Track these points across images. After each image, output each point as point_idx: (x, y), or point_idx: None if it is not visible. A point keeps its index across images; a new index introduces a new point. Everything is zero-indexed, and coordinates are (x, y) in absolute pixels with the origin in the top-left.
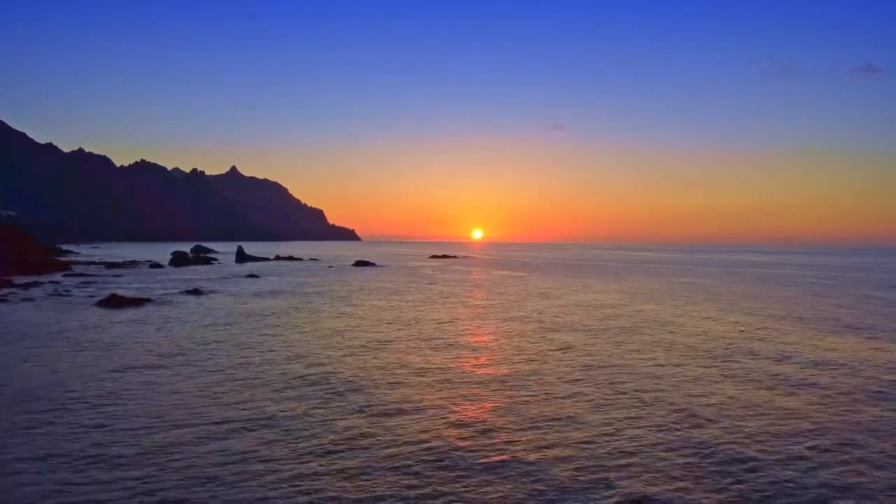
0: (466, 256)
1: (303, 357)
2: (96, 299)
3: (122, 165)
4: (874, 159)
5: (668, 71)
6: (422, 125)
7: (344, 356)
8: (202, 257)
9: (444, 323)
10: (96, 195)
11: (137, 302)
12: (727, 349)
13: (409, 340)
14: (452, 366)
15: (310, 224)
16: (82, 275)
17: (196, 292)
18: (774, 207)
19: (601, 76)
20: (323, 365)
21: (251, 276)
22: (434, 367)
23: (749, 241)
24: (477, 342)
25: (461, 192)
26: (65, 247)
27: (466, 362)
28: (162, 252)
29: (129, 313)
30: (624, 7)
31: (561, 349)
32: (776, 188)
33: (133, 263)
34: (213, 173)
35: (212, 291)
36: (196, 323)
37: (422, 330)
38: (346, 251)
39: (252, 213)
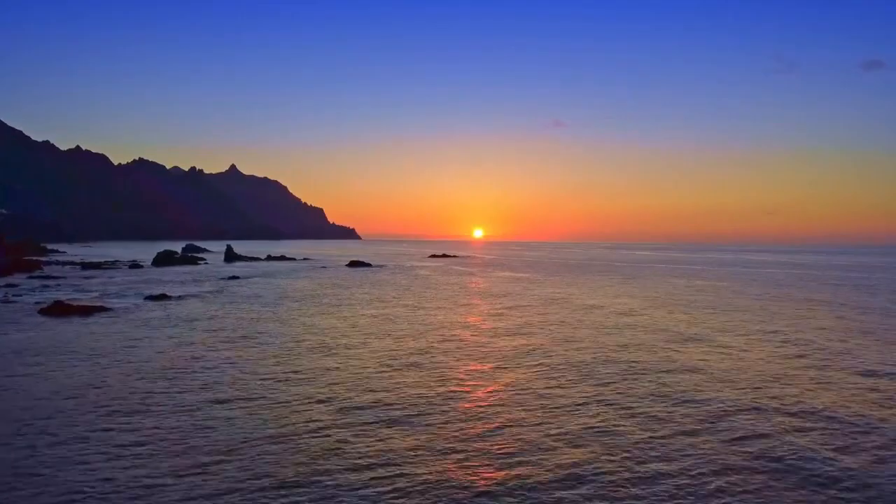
0: (467, 256)
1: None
2: (43, 306)
3: (119, 164)
4: (877, 157)
5: (669, 67)
6: (422, 124)
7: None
8: (188, 257)
9: (403, 355)
10: (94, 193)
11: (86, 310)
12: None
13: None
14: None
15: (310, 223)
16: (48, 277)
17: (162, 298)
18: (775, 206)
19: (601, 72)
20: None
21: (232, 277)
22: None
23: (749, 241)
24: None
25: (462, 190)
26: (53, 246)
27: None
28: (155, 251)
29: (64, 324)
30: (625, 1)
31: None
32: (777, 186)
33: (114, 263)
34: (213, 172)
35: (179, 297)
36: (113, 346)
37: (368, 373)
38: (344, 250)
39: (252, 211)
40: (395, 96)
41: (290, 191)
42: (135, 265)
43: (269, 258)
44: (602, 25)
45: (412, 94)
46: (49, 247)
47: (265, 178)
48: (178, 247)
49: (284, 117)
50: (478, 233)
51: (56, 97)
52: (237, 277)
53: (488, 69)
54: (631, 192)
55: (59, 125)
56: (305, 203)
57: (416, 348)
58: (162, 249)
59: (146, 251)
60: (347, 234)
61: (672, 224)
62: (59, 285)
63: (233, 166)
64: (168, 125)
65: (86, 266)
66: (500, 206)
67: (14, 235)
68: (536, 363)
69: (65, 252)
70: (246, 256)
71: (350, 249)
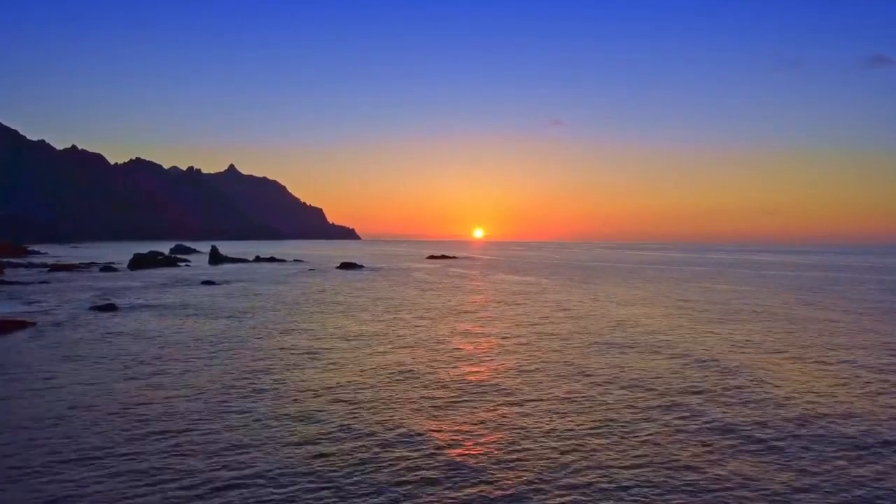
0: (466, 257)
1: None
2: None
3: (116, 163)
4: (877, 157)
5: (669, 67)
6: (422, 124)
7: None
8: (170, 259)
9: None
10: (92, 193)
11: (3, 326)
12: None
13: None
14: None
15: (309, 223)
16: (2, 282)
17: (108, 309)
18: (775, 206)
19: (601, 71)
20: None
21: (205, 282)
22: None
23: (749, 241)
24: None
25: (462, 190)
26: (39, 247)
27: None
28: (146, 251)
29: None
30: (625, 1)
31: None
32: (777, 186)
33: (87, 266)
34: (211, 171)
35: (131, 307)
36: None
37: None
38: (340, 251)
39: (251, 211)
40: (395, 96)
41: (290, 191)
42: (108, 268)
43: (258, 259)
44: (602, 25)
45: (412, 94)
46: (34, 248)
47: (264, 178)
48: (173, 247)
49: (283, 117)
50: (478, 233)
51: (51, 96)
52: (211, 283)
53: (488, 69)
54: (631, 192)
55: (53, 124)
56: (305, 203)
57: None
58: (158, 249)
59: (136, 251)
60: (347, 234)
61: (672, 224)
62: (4, 292)
63: (231, 166)
64: (165, 125)
65: (54, 269)
66: (500, 206)
67: (10, 236)
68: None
69: (46, 253)
70: (232, 258)
71: (347, 250)
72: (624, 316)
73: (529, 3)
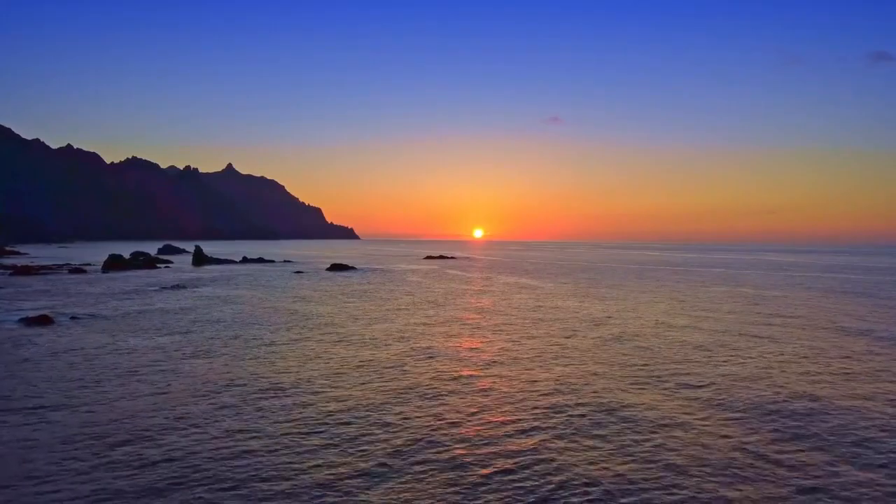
0: (465, 257)
1: None
2: None
3: (112, 162)
4: (880, 156)
5: (669, 66)
6: (421, 123)
7: None
8: (151, 259)
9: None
10: (87, 193)
11: None
12: None
13: None
14: None
15: (308, 222)
16: None
17: (39, 322)
18: (776, 206)
19: (600, 69)
20: None
21: (177, 286)
22: None
23: (750, 240)
24: None
25: (462, 190)
26: (24, 247)
27: None
28: (132, 252)
29: None
30: (625, 1)
31: None
32: (778, 185)
33: (59, 267)
34: (209, 171)
35: (71, 317)
36: None
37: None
38: (337, 251)
39: (250, 211)
40: (395, 96)
41: (288, 190)
42: (77, 270)
43: (245, 260)
44: (602, 25)
45: (412, 93)
46: (20, 248)
47: (262, 178)
48: (161, 247)
49: (282, 116)
50: (478, 233)
51: (45, 94)
52: (181, 287)
53: (487, 68)
54: (631, 192)
55: (48, 123)
56: (303, 203)
57: None
58: (154, 249)
59: (126, 251)
60: (346, 233)
61: (672, 224)
62: None
63: (229, 165)
64: (161, 124)
65: (18, 272)
66: (499, 206)
67: (5, 236)
68: None
69: (27, 254)
70: (218, 259)
71: (344, 250)
72: (673, 337)
73: (529, 3)
